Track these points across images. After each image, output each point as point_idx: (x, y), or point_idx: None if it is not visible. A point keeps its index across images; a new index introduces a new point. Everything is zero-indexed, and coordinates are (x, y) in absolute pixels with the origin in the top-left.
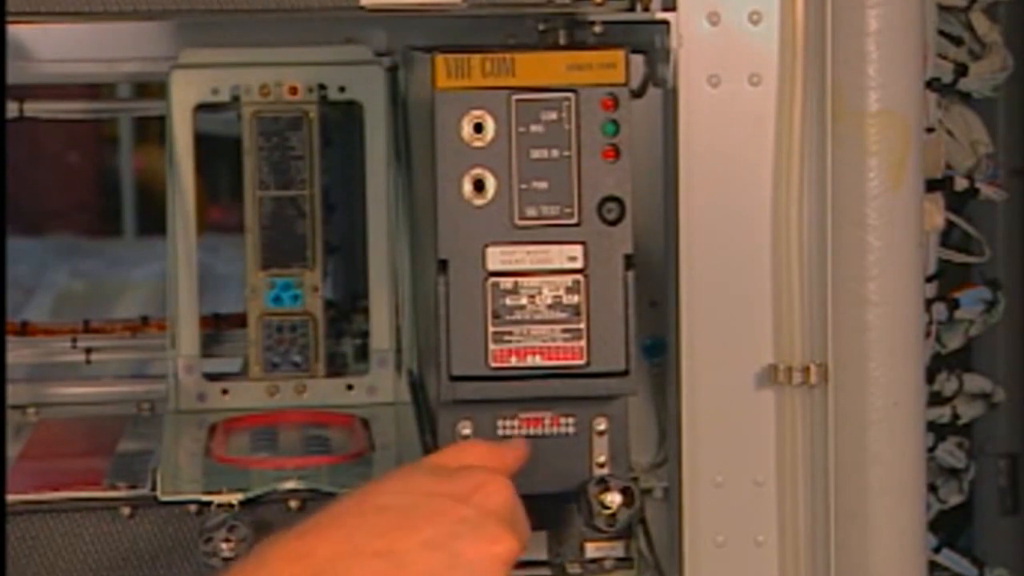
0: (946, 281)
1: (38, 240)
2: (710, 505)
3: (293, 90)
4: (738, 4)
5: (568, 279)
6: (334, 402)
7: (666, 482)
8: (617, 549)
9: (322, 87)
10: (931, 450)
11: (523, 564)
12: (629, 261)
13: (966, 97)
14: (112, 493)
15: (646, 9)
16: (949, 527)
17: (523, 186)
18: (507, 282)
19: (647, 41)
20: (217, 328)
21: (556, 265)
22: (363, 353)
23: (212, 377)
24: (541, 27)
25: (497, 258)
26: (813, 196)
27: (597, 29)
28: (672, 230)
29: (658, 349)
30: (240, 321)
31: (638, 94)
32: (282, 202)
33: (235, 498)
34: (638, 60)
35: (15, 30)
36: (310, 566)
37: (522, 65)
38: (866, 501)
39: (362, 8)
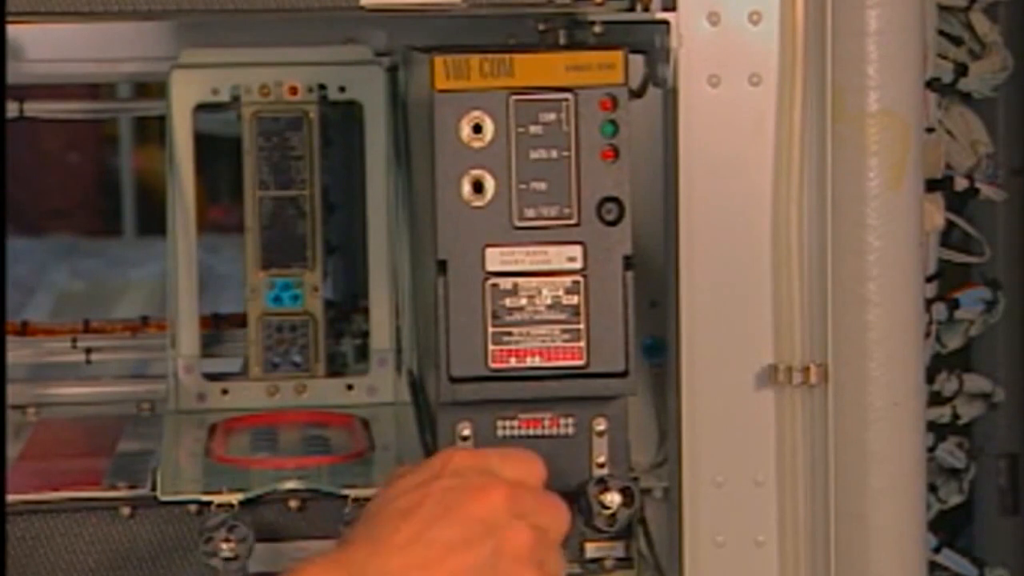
0: (946, 281)
1: (38, 240)
2: (710, 505)
3: (293, 90)
4: (738, 4)
5: (567, 280)
6: (334, 402)
7: (666, 482)
8: (617, 549)
9: (322, 87)
10: (931, 450)
11: None
12: (628, 262)
13: (966, 97)
14: (112, 493)
15: (646, 9)
16: (949, 527)
17: (522, 187)
18: (506, 283)
19: (647, 41)
20: (217, 328)
21: (555, 266)
22: (363, 353)
23: (212, 377)
24: (541, 27)
25: (496, 259)
26: (813, 196)
27: (597, 29)
28: (672, 230)
29: (658, 349)
30: (240, 321)
31: (638, 94)
32: (282, 202)
33: (235, 498)
34: (638, 60)
35: (15, 30)
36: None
37: (521, 66)
38: (866, 501)
39: (362, 8)
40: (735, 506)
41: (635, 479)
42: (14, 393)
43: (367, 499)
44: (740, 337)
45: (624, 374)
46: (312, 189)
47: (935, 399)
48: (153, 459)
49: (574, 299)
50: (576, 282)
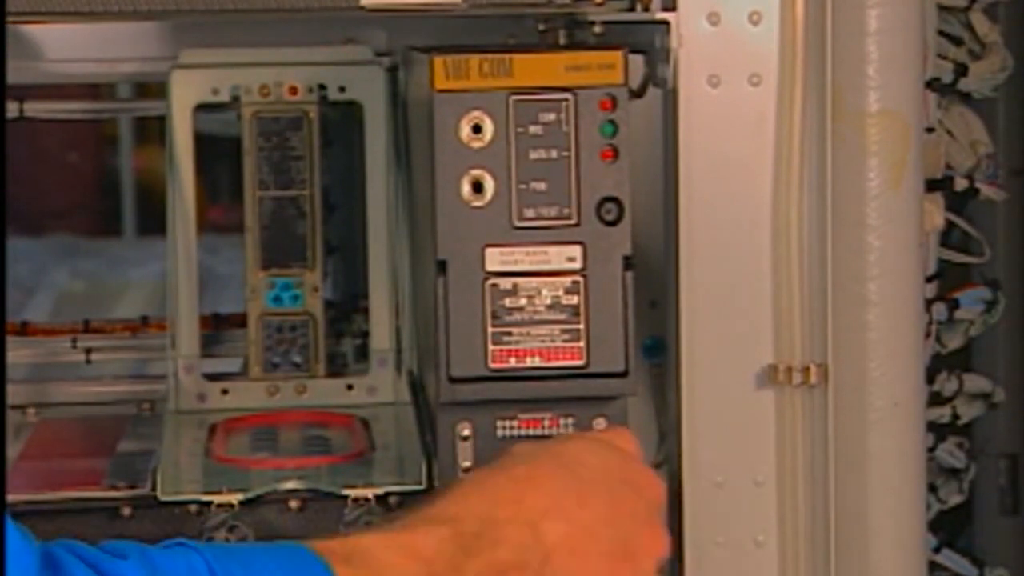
0: (946, 281)
1: (38, 240)
2: (710, 505)
3: (293, 90)
4: (738, 4)
5: (567, 280)
6: (334, 402)
7: (666, 482)
8: None
9: (322, 87)
10: (931, 450)
11: None
12: (628, 262)
13: (966, 97)
14: (112, 493)
15: (646, 9)
16: (949, 527)
17: (522, 187)
18: (506, 283)
19: (647, 41)
20: (217, 328)
21: (555, 266)
22: (363, 353)
23: (212, 377)
24: (541, 27)
25: (496, 259)
26: (813, 196)
27: (597, 29)
28: (672, 230)
29: (658, 349)
30: (240, 321)
31: (638, 94)
32: (282, 202)
33: (235, 498)
34: (638, 60)
35: (15, 29)
36: (523, 512)
37: (520, 66)
38: (866, 501)
39: (362, 8)
40: (735, 506)
41: None
42: (14, 393)
43: (367, 499)
44: (740, 337)
45: (624, 374)
46: (312, 189)
47: (935, 399)
48: (153, 459)
49: (574, 299)
50: (576, 282)
